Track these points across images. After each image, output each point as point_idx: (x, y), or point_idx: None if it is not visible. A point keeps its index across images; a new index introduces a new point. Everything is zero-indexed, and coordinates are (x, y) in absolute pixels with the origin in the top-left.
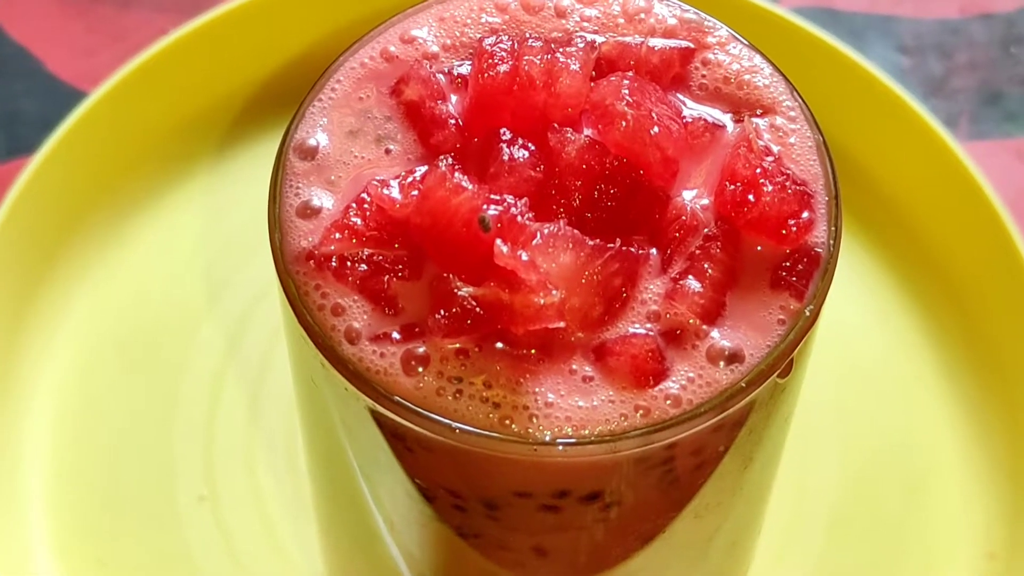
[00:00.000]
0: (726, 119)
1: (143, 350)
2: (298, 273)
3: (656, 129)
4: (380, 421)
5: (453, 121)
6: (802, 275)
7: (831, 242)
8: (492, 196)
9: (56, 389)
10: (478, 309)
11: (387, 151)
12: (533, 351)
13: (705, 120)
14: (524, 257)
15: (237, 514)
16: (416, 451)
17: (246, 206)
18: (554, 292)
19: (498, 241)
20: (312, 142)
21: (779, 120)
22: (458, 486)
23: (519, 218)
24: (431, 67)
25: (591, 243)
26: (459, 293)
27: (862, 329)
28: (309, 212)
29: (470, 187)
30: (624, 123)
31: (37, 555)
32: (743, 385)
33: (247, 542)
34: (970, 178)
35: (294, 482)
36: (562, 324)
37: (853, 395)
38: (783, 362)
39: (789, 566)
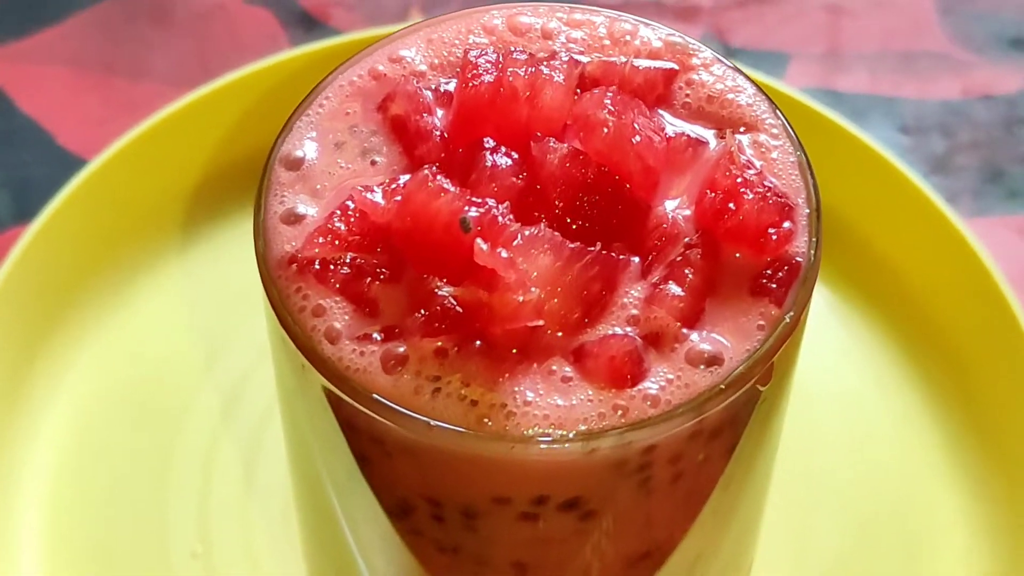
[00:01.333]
0: (709, 135)
1: (141, 409)
2: (280, 277)
3: (637, 139)
4: (359, 426)
5: (438, 133)
6: (782, 283)
7: (811, 253)
8: (473, 199)
9: (53, 445)
10: (457, 308)
11: (372, 163)
12: (513, 351)
13: (688, 136)
14: (504, 254)
15: (230, 572)
16: (395, 455)
17: (246, 271)
18: (533, 290)
19: (478, 240)
20: (298, 153)
21: (762, 137)
22: (437, 492)
23: (500, 219)
24: (418, 83)
25: (571, 246)
26: (439, 293)
27: (861, 396)
28: (293, 219)
29: (452, 189)
30: (605, 130)
31: None
32: (722, 387)
33: None
34: (971, 251)
35: (289, 540)
36: (541, 322)
37: (851, 459)
38: (763, 367)
39: None
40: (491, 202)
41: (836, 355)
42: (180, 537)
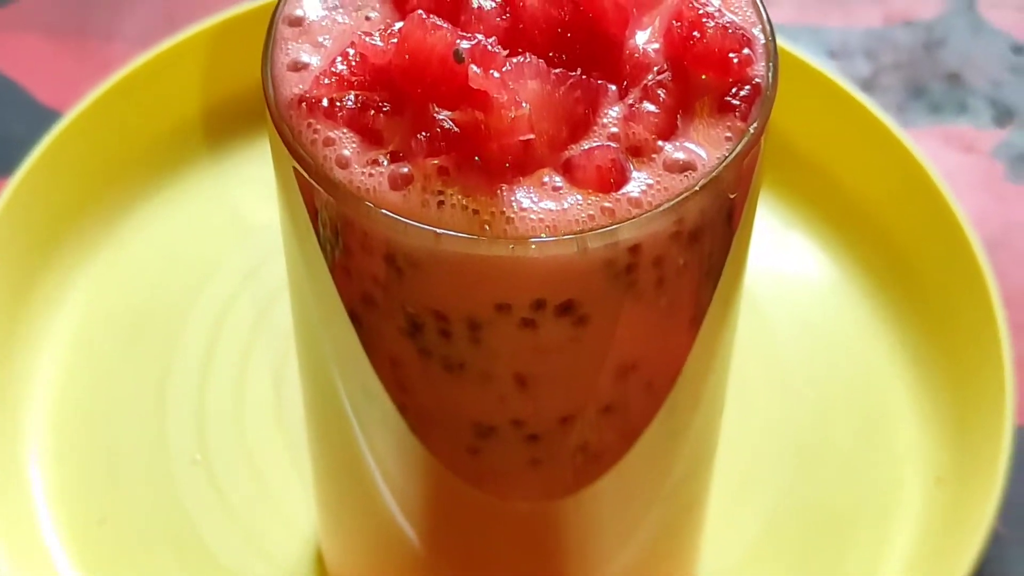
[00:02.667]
0: None
1: (136, 330)
2: (291, 116)
3: None
4: (372, 247)
5: None
6: (745, 100)
7: (769, 75)
8: (464, 34)
9: (54, 365)
10: (455, 129)
11: (367, 18)
12: (507, 165)
13: None
14: (496, 75)
15: (230, 475)
16: (405, 272)
17: (228, 206)
18: (524, 105)
19: (472, 66)
20: (299, 13)
21: None
22: (444, 305)
23: (489, 48)
24: None
25: (556, 71)
26: (438, 118)
27: (814, 298)
28: (299, 66)
29: (445, 26)
30: None
31: (39, 515)
32: (697, 188)
33: (241, 499)
34: (907, 153)
35: (285, 442)
36: (532, 136)
37: (806, 354)
38: (732, 172)
39: (749, 494)
40: (480, 36)
41: (789, 263)
42: (180, 446)
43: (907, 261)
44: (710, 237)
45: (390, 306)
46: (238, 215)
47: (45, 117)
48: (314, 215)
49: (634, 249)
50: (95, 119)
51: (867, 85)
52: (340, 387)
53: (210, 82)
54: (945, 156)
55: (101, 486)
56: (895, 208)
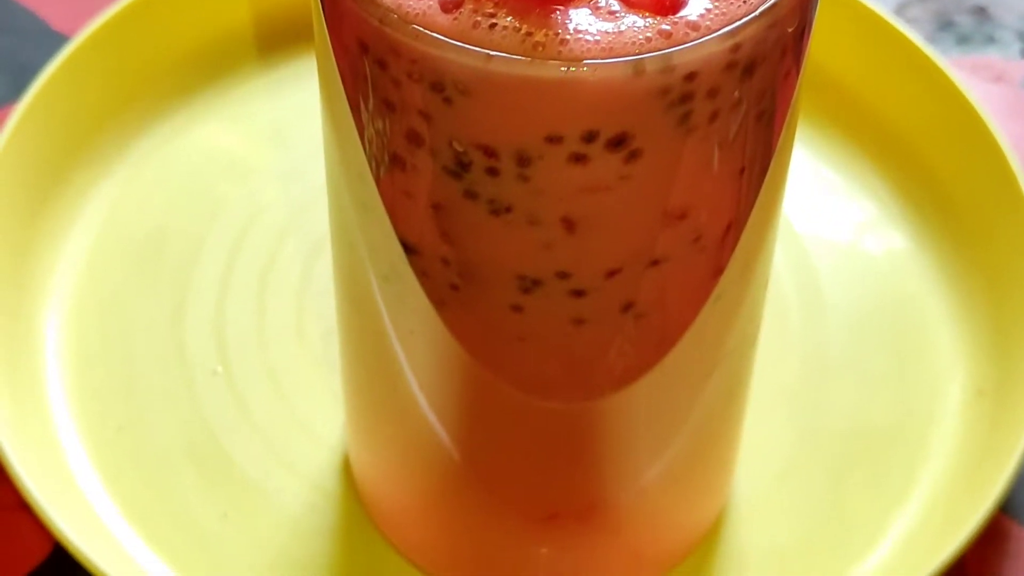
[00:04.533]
0: None
1: (157, 242)
2: None
3: None
4: (421, 74)
5: None
6: None
7: None
8: None
9: (74, 274)
10: None
11: None
12: None
13: None
14: None
15: (251, 386)
16: (454, 101)
17: (239, 130)
18: None
19: None
20: None
21: None
22: (492, 139)
23: None
24: None
25: None
26: None
27: (856, 215)
28: None
29: None
30: None
31: (58, 422)
32: (757, 14)
33: (263, 410)
34: (951, 84)
35: (308, 355)
36: None
37: (847, 268)
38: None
39: (784, 411)
40: None
41: (823, 187)
42: (200, 357)
43: (943, 183)
44: (765, 73)
45: (437, 143)
46: (260, 139)
47: (60, 44)
48: (360, 50)
49: (690, 77)
50: (110, 39)
51: (897, 16)
52: (380, 251)
53: (226, 2)
54: (974, 86)
55: (118, 396)
56: (930, 129)
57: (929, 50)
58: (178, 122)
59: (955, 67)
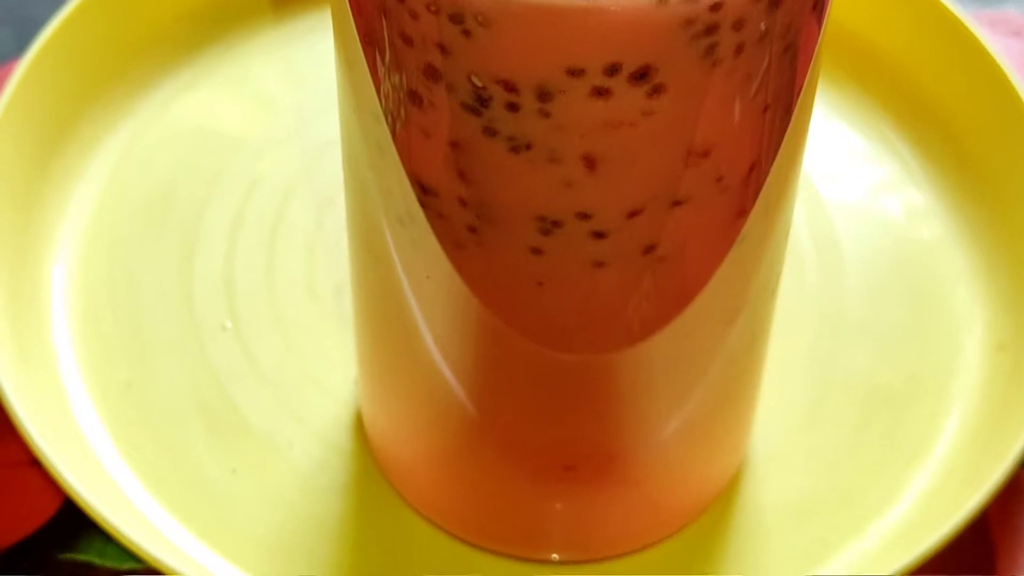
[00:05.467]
0: None
1: (164, 199)
2: None
3: None
4: (440, 4)
5: None
6: None
7: None
8: None
9: (81, 226)
10: None
11: None
12: None
13: None
14: None
15: (261, 341)
16: (474, 33)
17: (254, 83)
18: None
19: None
20: None
21: None
22: (513, 73)
23: None
24: None
25: None
26: None
27: (874, 171)
28: None
29: None
30: None
31: (66, 379)
32: None
33: (273, 365)
34: (973, 39)
35: (319, 310)
36: None
37: (865, 223)
38: None
39: (801, 366)
40: None
41: (842, 143)
42: (208, 313)
43: (962, 139)
44: (791, 6)
45: (455, 79)
46: (270, 92)
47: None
48: None
49: (715, 7)
50: None
51: None
52: (396, 194)
53: None
54: (994, 41)
55: (127, 352)
56: (950, 85)
57: (949, 4)
58: (186, 76)
59: (974, 22)
